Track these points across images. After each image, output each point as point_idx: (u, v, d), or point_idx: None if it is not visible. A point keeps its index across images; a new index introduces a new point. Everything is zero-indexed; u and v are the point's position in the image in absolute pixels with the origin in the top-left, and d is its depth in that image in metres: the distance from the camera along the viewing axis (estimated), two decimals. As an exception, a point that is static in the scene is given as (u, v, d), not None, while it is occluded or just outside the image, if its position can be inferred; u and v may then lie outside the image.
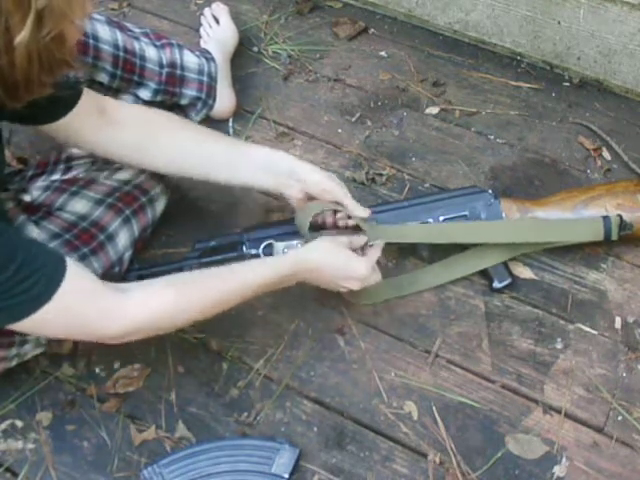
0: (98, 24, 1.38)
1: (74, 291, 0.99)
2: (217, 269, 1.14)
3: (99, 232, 1.25)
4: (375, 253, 1.25)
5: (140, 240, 1.33)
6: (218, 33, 1.69)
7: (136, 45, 1.44)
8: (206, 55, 1.58)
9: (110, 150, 1.24)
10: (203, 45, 1.67)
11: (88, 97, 1.19)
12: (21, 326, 0.98)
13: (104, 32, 1.38)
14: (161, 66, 1.47)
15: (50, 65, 0.92)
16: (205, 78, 1.55)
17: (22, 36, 0.85)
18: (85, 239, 1.23)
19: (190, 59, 1.53)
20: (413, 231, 1.33)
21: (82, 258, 1.21)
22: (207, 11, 1.74)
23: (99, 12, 1.45)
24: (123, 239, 1.28)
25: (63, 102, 1.15)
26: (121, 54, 1.41)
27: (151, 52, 1.47)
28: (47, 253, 1.00)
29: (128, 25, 1.47)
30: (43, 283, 0.95)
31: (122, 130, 1.23)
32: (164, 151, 1.25)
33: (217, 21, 1.72)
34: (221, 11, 1.73)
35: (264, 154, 1.27)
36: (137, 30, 1.48)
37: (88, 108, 1.19)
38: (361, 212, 1.27)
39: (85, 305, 1.01)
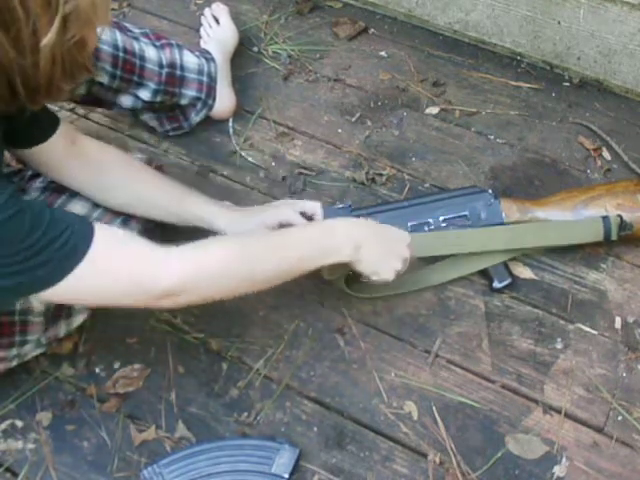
0: None
1: (108, 244, 0.97)
2: (277, 233, 1.18)
3: None
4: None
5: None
6: (218, 33, 1.69)
7: (135, 45, 1.44)
8: (206, 55, 1.58)
9: (71, 182, 1.25)
10: (203, 45, 1.67)
11: (64, 126, 1.22)
12: (58, 292, 0.96)
13: (103, 33, 1.38)
14: (161, 66, 1.47)
15: (71, 69, 0.94)
16: (205, 78, 1.55)
17: (48, 38, 0.87)
18: None
19: (190, 59, 1.53)
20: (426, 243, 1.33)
21: None
22: (207, 11, 1.74)
23: None
24: None
25: (43, 127, 1.18)
26: (120, 54, 1.40)
27: (151, 52, 1.47)
28: (70, 215, 0.99)
29: (128, 25, 1.47)
30: (74, 241, 0.94)
31: (91, 167, 1.25)
32: (119, 193, 1.26)
33: (217, 21, 1.72)
34: (221, 11, 1.73)
35: (200, 213, 1.29)
36: (137, 30, 1.48)
37: (63, 138, 1.21)
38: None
39: (123, 257, 0.99)
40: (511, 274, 1.36)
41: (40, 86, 0.92)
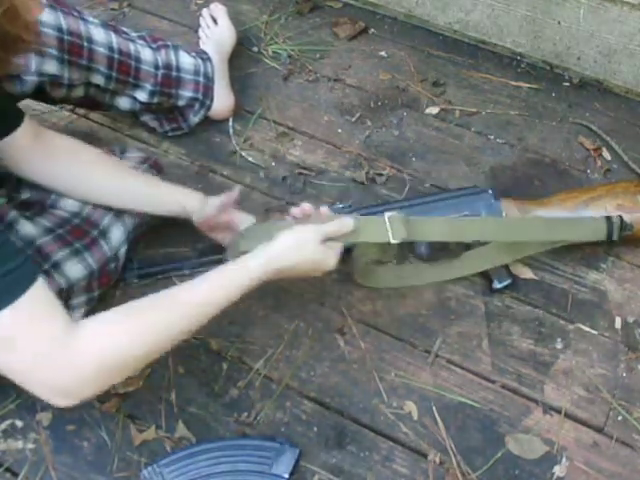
0: (92, 27, 1.38)
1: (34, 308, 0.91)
2: (178, 289, 1.08)
3: (91, 228, 1.25)
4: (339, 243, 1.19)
5: (137, 235, 1.34)
6: (216, 33, 1.69)
7: (131, 47, 1.45)
8: (202, 56, 1.58)
9: (41, 178, 1.25)
10: (202, 46, 1.67)
11: (28, 121, 1.21)
12: None
13: (99, 35, 1.38)
14: (156, 67, 1.48)
15: (5, 41, 0.91)
16: (201, 79, 1.55)
17: None
18: (78, 234, 1.23)
19: (186, 60, 1.53)
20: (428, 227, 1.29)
21: (75, 253, 1.21)
22: (205, 12, 1.74)
23: (95, 15, 1.45)
24: (116, 234, 1.28)
25: (6, 121, 1.17)
26: (116, 56, 1.41)
27: (146, 54, 1.47)
28: (21, 260, 0.92)
29: (124, 29, 1.48)
30: (16, 276, 0.89)
31: (55, 160, 1.25)
32: (92, 187, 1.27)
33: (215, 21, 1.72)
34: (219, 11, 1.73)
35: (175, 197, 1.31)
36: (133, 34, 1.49)
37: (27, 133, 1.21)
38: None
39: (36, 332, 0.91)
40: (511, 274, 1.36)
41: None
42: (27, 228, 1.20)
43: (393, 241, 1.20)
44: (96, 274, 1.25)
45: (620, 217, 1.32)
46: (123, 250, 1.30)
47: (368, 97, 1.67)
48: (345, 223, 1.18)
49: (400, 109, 1.65)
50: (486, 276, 1.36)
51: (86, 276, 1.22)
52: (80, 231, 1.24)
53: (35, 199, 1.27)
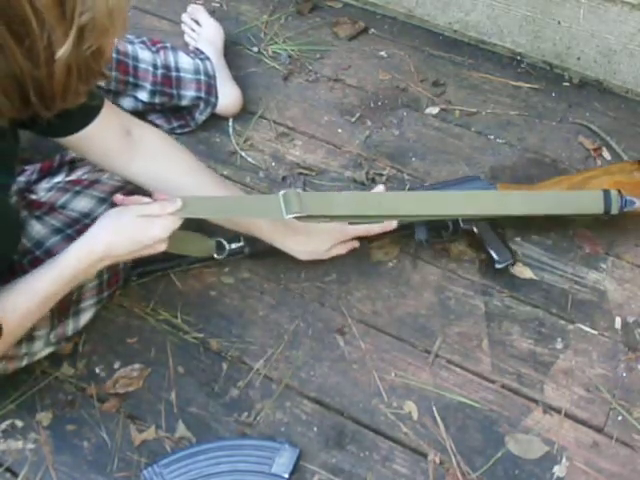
0: None
1: None
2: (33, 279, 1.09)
3: None
4: (173, 216, 1.15)
5: None
6: (203, 33, 1.69)
7: (129, 47, 1.47)
8: (200, 55, 1.59)
9: (127, 174, 1.23)
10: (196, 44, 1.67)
11: (112, 115, 1.17)
12: None
13: None
14: (155, 67, 1.49)
15: (87, 76, 0.93)
16: (202, 77, 1.55)
17: (63, 50, 0.86)
18: None
19: (185, 60, 1.54)
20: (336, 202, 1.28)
21: None
22: (185, 17, 1.74)
23: None
24: None
25: (78, 116, 1.12)
26: (114, 55, 1.42)
27: (145, 54, 1.49)
28: None
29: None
30: None
31: (144, 158, 1.21)
32: (181, 189, 1.21)
33: (198, 23, 1.72)
34: (197, 12, 1.73)
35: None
36: (133, 37, 1.51)
37: (110, 126, 1.17)
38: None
39: None
40: (513, 255, 1.36)
41: (55, 95, 0.91)
42: (37, 228, 1.20)
43: (287, 217, 1.21)
44: (105, 275, 1.25)
45: (619, 191, 1.32)
46: None
47: (368, 97, 1.67)
48: (170, 202, 1.15)
49: (400, 109, 1.65)
50: (489, 257, 1.36)
51: (95, 278, 1.22)
52: None
53: (45, 199, 1.27)
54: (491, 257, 1.36)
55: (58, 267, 1.09)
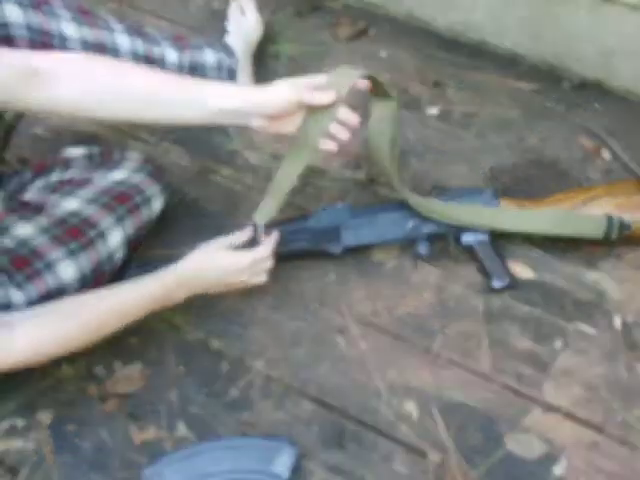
0: (117, 35, 1.39)
1: None
2: (92, 295, 1.15)
3: (89, 229, 1.24)
4: (264, 248, 1.26)
5: (136, 241, 1.34)
6: (244, 25, 1.69)
7: (155, 50, 1.47)
8: (226, 50, 1.58)
9: (43, 109, 1.12)
10: (228, 38, 1.66)
11: (9, 57, 1.06)
12: None
13: (124, 43, 1.40)
14: (181, 69, 1.49)
15: None
16: (225, 74, 1.55)
17: None
18: (74, 234, 1.23)
19: (209, 58, 1.54)
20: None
21: (70, 253, 1.21)
22: (234, 4, 1.73)
23: (118, 22, 1.45)
24: (115, 237, 1.27)
25: None
26: (142, 63, 1.42)
27: (172, 56, 1.49)
28: None
29: (148, 30, 1.48)
30: None
31: (57, 87, 1.07)
32: (105, 103, 1.11)
33: (243, 13, 1.71)
34: (248, 3, 1.72)
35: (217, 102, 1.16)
36: (157, 35, 1.50)
37: (11, 70, 1.05)
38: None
39: None
40: (511, 277, 1.36)
41: None
42: (26, 228, 1.20)
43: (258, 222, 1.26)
44: (89, 277, 1.25)
45: (620, 218, 1.32)
46: (119, 255, 1.29)
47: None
48: (246, 230, 1.28)
49: (400, 109, 1.64)
50: (486, 276, 1.37)
51: (79, 279, 1.22)
52: (76, 231, 1.23)
53: (36, 200, 1.27)
54: (489, 276, 1.36)
55: (143, 285, 1.19)
